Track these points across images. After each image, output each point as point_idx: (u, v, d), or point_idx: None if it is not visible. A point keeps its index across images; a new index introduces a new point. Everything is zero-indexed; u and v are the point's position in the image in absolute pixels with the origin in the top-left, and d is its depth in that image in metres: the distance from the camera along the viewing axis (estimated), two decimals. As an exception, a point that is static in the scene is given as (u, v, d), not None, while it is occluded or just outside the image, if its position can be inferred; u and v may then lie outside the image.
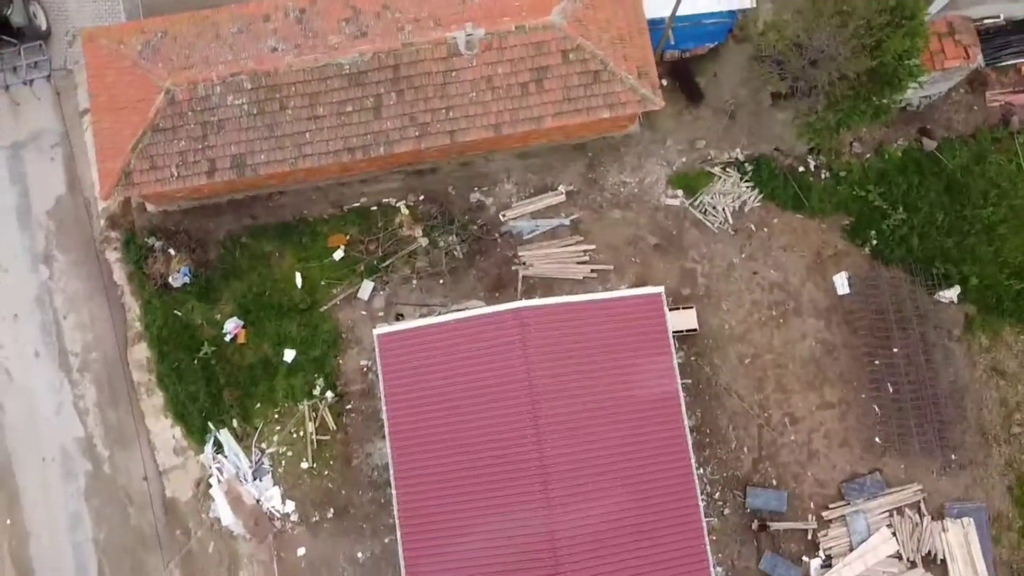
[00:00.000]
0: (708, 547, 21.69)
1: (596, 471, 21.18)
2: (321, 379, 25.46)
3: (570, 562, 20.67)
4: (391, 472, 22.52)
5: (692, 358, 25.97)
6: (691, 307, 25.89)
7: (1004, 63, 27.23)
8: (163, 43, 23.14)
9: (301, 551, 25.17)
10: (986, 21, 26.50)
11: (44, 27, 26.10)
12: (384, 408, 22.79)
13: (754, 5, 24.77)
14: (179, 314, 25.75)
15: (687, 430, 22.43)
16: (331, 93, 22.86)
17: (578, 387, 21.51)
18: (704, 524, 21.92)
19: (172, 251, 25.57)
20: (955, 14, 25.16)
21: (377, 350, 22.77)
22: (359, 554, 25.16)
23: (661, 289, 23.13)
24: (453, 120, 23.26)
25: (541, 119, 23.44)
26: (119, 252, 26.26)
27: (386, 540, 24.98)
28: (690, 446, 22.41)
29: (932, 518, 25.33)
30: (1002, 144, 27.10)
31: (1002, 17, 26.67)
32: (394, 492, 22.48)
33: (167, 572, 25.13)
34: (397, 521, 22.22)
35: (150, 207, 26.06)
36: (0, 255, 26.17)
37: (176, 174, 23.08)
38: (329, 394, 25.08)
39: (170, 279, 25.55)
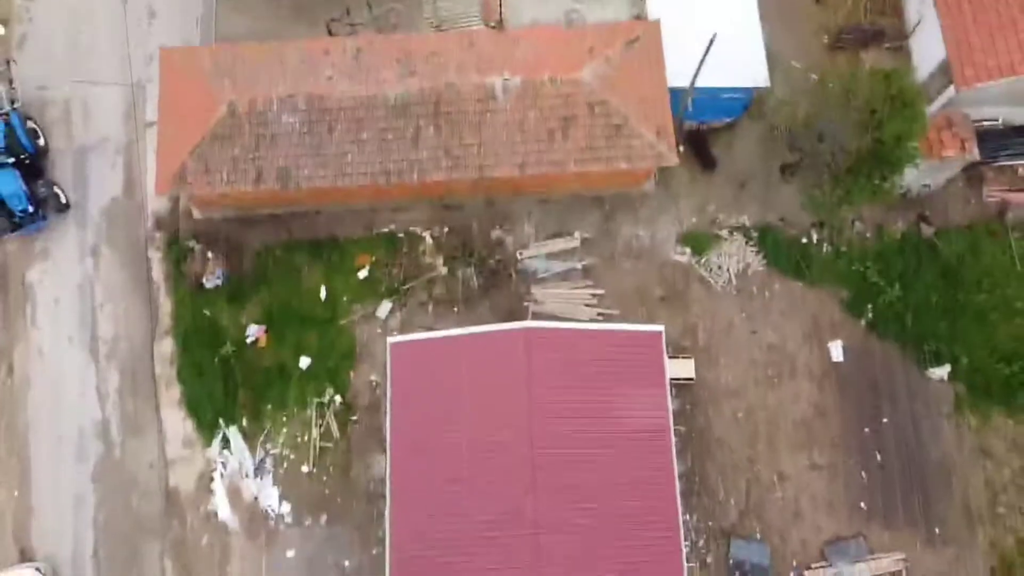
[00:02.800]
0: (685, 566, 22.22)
1: (584, 491, 21.98)
2: (332, 389, 26.71)
3: None
4: (387, 471, 23.41)
5: (687, 407, 26.97)
6: (690, 357, 27.11)
7: (1001, 163, 29.15)
8: (231, 64, 25.75)
9: (291, 553, 25.80)
10: (985, 123, 28.58)
11: (64, 200, 27.88)
12: (388, 411, 23.91)
13: (769, 84, 27.00)
14: (208, 313, 27.38)
15: (674, 462, 23.25)
16: (376, 120, 25.19)
17: (575, 408, 22.57)
18: (683, 551, 22.45)
19: (210, 254, 27.42)
20: (955, 111, 27.24)
21: (388, 356, 24.11)
22: (346, 562, 25.74)
23: (661, 328, 24.46)
24: (483, 156, 25.40)
25: (564, 163, 25.50)
26: (161, 252, 28.15)
27: (374, 552, 25.57)
28: (676, 478, 23.18)
29: (913, 589, 25.57)
30: (997, 237, 28.67)
31: (1000, 121, 28.76)
32: (388, 488, 23.31)
33: (161, 560, 25.76)
34: (388, 502, 23.00)
35: (196, 213, 28.12)
36: (52, 244, 28.17)
37: (226, 178, 25.24)
38: (337, 398, 26.27)
39: (204, 280, 27.30)
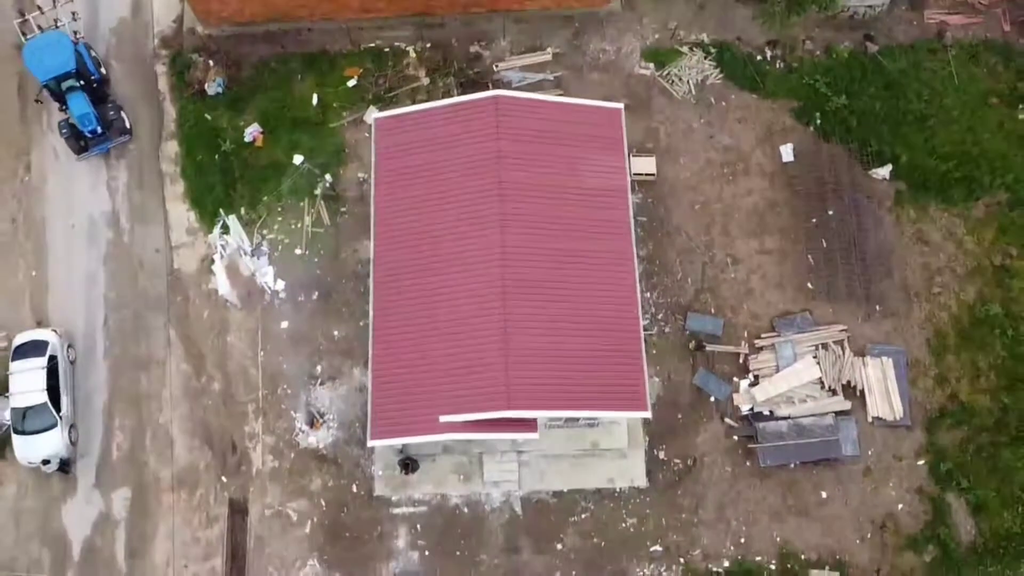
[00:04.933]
0: (640, 317, 24.61)
1: (549, 232, 24.34)
2: (323, 181, 29.12)
3: (517, 314, 23.44)
4: (372, 232, 25.76)
5: (649, 200, 29.36)
6: (651, 155, 29.52)
7: (941, -11, 31.58)
8: None
9: (284, 324, 28.19)
10: (926, -49, 31.01)
11: (128, 125, 29.21)
12: (373, 181, 26.25)
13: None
14: (208, 117, 29.80)
15: (632, 217, 25.60)
16: (362, -75, 27.62)
17: (541, 165, 24.89)
18: (637, 285, 24.86)
19: (211, 63, 29.85)
20: (894, -69, 29.69)
21: (373, 130, 26.50)
22: (335, 332, 28.13)
23: (621, 105, 26.86)
24: (461, -43, 27.83)
25: (534, -34, 27.94)
26: (166, 67, 30.58)
27: (360, 323, 27.95)
28: (632, 231, 25.54)
29: (854, 355, 27.86)
30: (936, 55, 31.00)
31: (940, -50, 31.18)
32: (372, 249, 25.69)
33: (165, 330, 28.17)
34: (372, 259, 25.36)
35: (199, 29, 30.55)
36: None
37: (226, -24, 27.69)
38: (328, 177, 28.68)
39: (206, 86, 29.73)
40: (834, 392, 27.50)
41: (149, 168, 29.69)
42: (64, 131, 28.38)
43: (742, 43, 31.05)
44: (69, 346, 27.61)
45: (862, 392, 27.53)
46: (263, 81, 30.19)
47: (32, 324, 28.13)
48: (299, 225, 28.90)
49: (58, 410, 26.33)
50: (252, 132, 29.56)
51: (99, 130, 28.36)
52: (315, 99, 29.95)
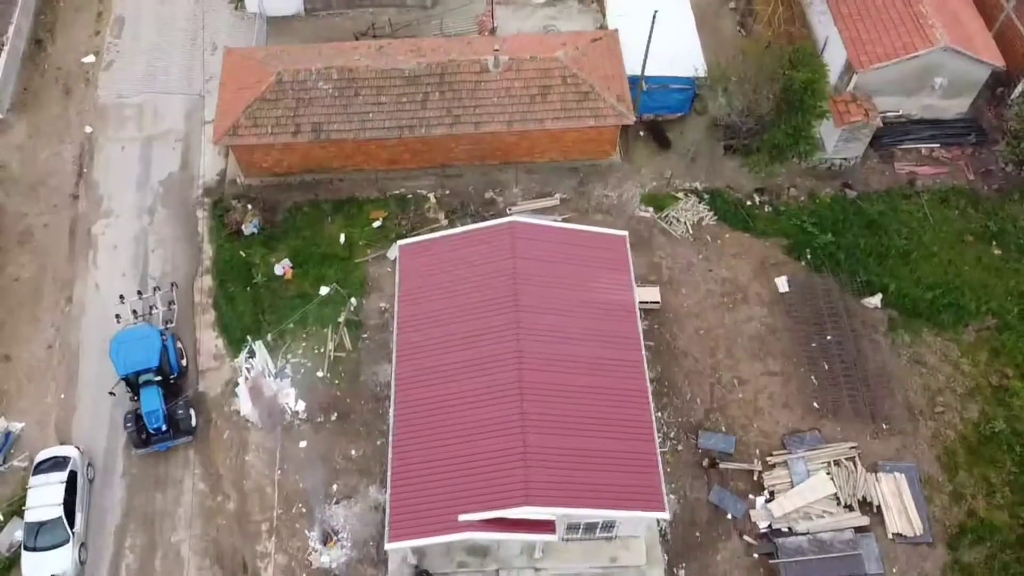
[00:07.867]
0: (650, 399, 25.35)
1: (562, 341, 25.64)
2: (348, 306, 30.87)
3: (534, 414, 24.26)
4: (394, 343, 27.07)
5: (655, 326, 30.95)
6: (656, 285, 31.51)
7: (905, 146, 35.28)
8: (280, 55, 32.71)
9: (303, 444, 28.65)
10: (889, 114, 35.03)
11: (193, 424, 28.22)
12: (397, 299, 27.93)
13: (706, 74, 33.67)
14: (243, 254, 32.13)
15: (640, 330, 26.99)
16: (393, 88, 31.62)
17: (554, 281, 26.67)
18: (650, 397, 25.69)
19: (249, 206, 32.71)
20: (861, 93, 33.76)
21: (398, 255, 28.63)
22: (353, 452, 28.54)
23: (625, 232, 29.18)
24: (478, 115, 31.54)
25: (543, 121, 31.60)
26: (207, 212, 33.43)
27: (378, 443, 28.49)
28: (642, 342, 26.78)
29: (866, 471, 28.08)
30: (911, 199, 34.05)
31: (901, 112, 35.25)
32: (394, 358, 26.85)
33: (185, 450, 28.55)
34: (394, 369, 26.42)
35: (240, 179, 33.75)
36: (116, 206, 33.54)
37: (271, 131, 31.21)
38: (352, 300, 30.36)
39: (243, 227, 32.36)
40: (850, 508, 27.41)
41: (183, 300, 31.51)
42: (128, 425, 27.63)
43: (732, 190, 34.16)
44: (89, 464, 27.91)
45: (879, 508, 27.44)
46: (296, 223, 32.90)
47: (55, 444, 28.57)
48: (322, 350, 30.24)
49: (72, 526, 26.17)
50: (283, 266, 31.75)
51: (164, 428, 27.54)
52: (342, 238, 32.48)
